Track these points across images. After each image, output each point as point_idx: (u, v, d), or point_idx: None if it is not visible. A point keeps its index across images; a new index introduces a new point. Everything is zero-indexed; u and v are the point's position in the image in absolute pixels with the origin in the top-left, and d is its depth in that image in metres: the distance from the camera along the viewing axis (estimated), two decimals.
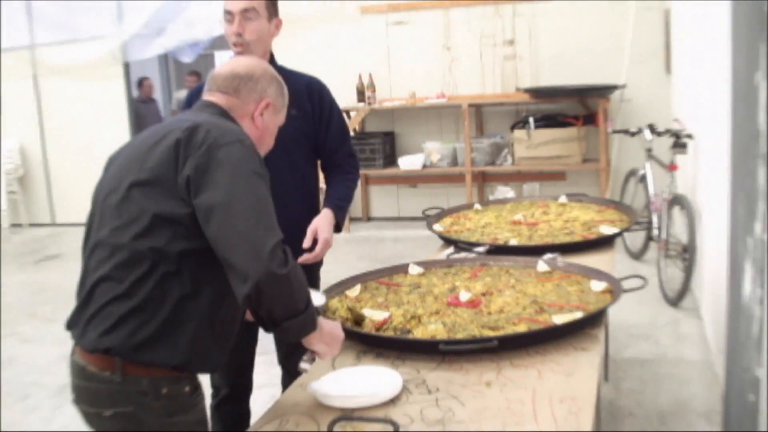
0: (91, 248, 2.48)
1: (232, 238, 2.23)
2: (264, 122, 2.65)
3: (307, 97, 3.62)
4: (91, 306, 2.41)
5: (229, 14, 3.46)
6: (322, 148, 3.68)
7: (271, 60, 3.61)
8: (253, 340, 3.68)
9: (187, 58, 11.43)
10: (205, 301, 2.39)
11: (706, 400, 4.78)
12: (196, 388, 2.50)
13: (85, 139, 9.84)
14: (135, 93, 12.48)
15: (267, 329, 2.38)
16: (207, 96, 2.65)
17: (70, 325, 2.49)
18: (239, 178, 2.30)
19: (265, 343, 3.76)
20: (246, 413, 3.75)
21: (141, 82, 13.68)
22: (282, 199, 3.16)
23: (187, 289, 2.35)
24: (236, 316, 2.56)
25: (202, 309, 2.38)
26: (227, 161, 2.31)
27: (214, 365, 2.55)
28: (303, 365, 2.64)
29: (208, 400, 2.70)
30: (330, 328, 2.55)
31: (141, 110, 12.93)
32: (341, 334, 2.59)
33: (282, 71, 3.51)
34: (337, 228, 3.58)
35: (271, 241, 2.21)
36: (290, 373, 3.76)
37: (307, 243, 3.39)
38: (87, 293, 2.44)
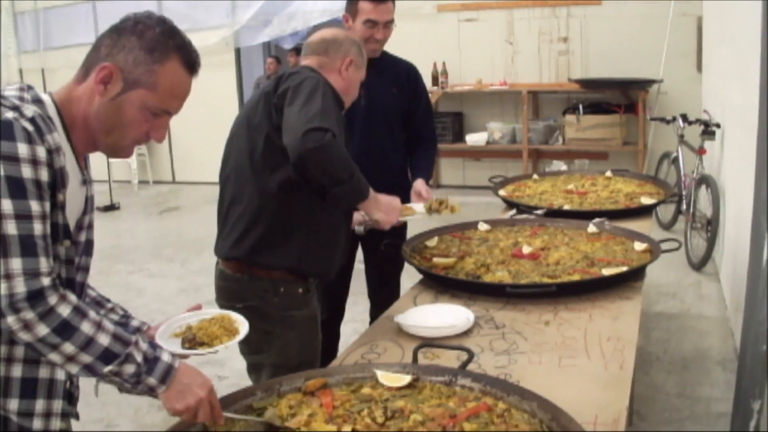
0: (224, 180, 2.72)
1: (285, 127, 2.44)
2: (349, 76, 2.79)
3: (406, 80, 3.74)
4: (227, 224, 2.67)
5: (373, 22, 3.46)
6: (412, 122, 3.75)
7: None
8: (347, 280, 3.79)
9: (287, 45, 11.50)
10: (307, 216, 2.59)
11: (721, 350, 4.76)
12: (308, 290, 2.68)
13: (201, 112, 9.90)
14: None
15: (325, 198, 2.55)
16: (302, 60, 2.81)
17: (216, 243, 2.73)
18: (302, 89, 2.48)
19: (354, 285, 3.85)
20: (337, 335, 3.85)
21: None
22: (381, 157, 3.56)
23: (291, 206, 2.56)
24: (337, 228, 2.71)
25: (306, 222, 2.59)
26: (299, 84, 2.51)
27: (324, 270, 2.71)
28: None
29: None
30: (387, 200, 2.71)
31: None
32: (398, 205, 2.75)
33: (386, 56, 3.68)
34: None
35: (307, 126, 2.36)
36: (377, 306, 3.84)
37: (415, 200, 3.47)
38: (224, 215, 2.70)
